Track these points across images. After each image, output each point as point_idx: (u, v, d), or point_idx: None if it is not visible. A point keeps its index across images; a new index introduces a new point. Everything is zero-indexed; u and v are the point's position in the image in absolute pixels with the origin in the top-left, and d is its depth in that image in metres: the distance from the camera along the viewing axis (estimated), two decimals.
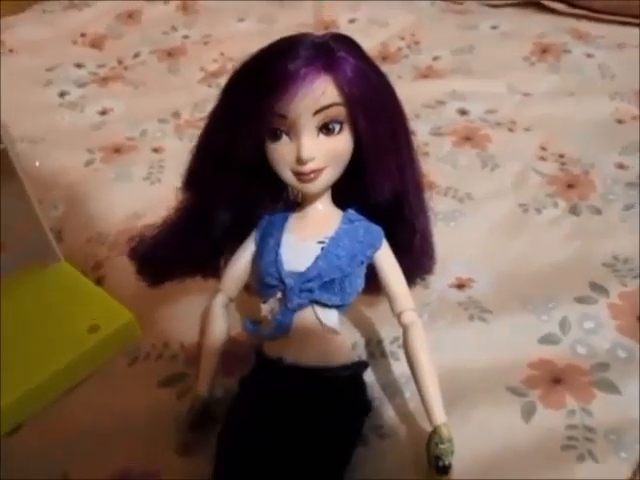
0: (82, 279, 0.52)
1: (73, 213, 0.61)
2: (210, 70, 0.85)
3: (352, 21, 0.95)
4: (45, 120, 0.76)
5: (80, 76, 0.85)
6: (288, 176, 0.36)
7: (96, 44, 0.94)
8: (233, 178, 0.38)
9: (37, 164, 0.67)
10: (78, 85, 0.83)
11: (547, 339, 0.46)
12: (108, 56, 0.90)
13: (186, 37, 0.94)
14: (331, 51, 0.33)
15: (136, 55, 0.90)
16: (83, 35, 0.95)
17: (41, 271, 0.52)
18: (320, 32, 0.35)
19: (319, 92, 0.33)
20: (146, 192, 0.63)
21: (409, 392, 0.42)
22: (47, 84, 0.83)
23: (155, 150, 0.69)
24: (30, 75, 0.85)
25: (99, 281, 0.54)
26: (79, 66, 0.87)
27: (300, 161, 0.34)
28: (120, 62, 0.89)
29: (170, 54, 0.90)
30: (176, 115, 0.75)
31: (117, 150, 0.69)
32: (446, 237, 0.51)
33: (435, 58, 0.84)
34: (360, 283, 0.38)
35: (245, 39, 0.88)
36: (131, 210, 0.60)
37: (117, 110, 0.77)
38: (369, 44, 0.87)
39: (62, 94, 0.81)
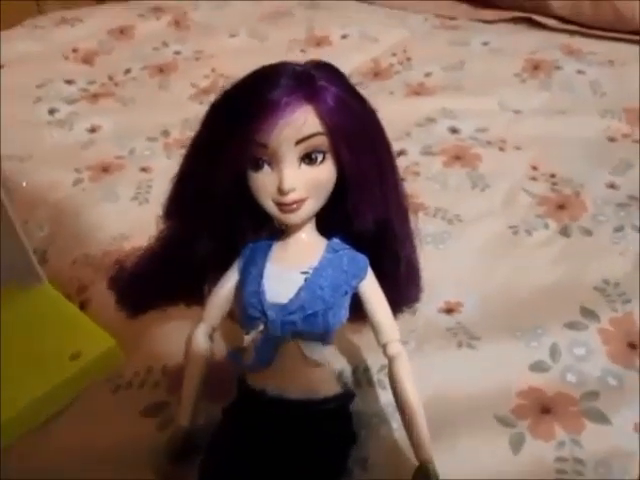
0: (65, 303, 0.51)
1: (59, 233, 0.61)
2: (201, 86, 0.85)
3: (344, 37, 0.94)
4: (34, 138, 0.75)
5: (70, 93, 0.84)
6: (270, 206, 0.35)
7: (87, 60, 0.93)
8: (216, 206, 0.37)
9: (24, 184, 0.66)
10: (68, 102, 0.82)
11: (537, 366, 0.45)
12: (99, 72, 0.90)
13: (178, 53, 0.94)
14: (312, 80, 0.33)
15: (127, 71, 0.90)
16: (75, 51, 0.95)
17: (23, 294, 0.51)
18: (302, 61, 0.35)
19: (300, 122, 0.33)
20: (133, 213, 0.62)
21: (396, 422, 0.41)
22: (37, 101, 0.82)
23: (143, 169, 0.68)
24: (20, 91, 0.84)
25: (83, 305, 0.53)
26: (69, 82, 0.87)
27: (281, 192, 0.34)
28: (111, 78, 0.88)
29: (161, 70, 0.89)
30: (165, 133, 0.74)
31: (105, 169, 0.69)
32: (435, 260, 0.51)
33: (427, 74, 0.83)
34: (344, 314, 0.37)
35: (237, 55, 0.88)
36: (118, 231, 0.60)
37: (106, 128, 0.77)
38: (361, 60, 0.87)
39: (52, 111, 0.80)
